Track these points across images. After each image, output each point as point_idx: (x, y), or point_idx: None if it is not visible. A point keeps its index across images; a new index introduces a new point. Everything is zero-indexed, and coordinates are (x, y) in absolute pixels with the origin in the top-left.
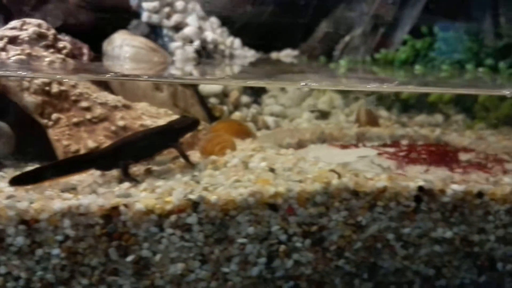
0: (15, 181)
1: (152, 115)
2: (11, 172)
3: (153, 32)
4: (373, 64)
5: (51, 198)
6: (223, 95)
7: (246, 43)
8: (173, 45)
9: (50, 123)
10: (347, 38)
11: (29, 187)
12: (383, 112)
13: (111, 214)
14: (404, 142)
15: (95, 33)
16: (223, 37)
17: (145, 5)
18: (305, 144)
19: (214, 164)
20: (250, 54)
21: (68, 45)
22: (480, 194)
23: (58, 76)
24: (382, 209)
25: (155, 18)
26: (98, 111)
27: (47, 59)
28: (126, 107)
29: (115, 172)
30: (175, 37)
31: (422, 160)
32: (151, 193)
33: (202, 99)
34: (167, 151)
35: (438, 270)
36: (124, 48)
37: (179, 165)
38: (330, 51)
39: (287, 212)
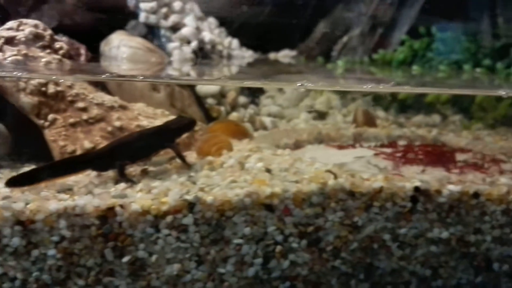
0: (12, 183)
1: (149, 116)
2: (7, 173)
3: (151, 33)
4: (371, 64)
5: (47, 199)
6: (221, 96)
7: (244, 43)
8: (171, 45)
9: (47, 123)
10: (345, 39)
11: (25, 188)
12: (380, 113)
13: (107, 214)
14: (401, 142)
15: (92, 33)
16: (221, 38)
17: (142, 5)
18: (302, 145)
19: (211, 164)
20: (248, 55)
21: (65, 46)
22: (476, 195)
23: (54, 77)
24: (378, 210)
25: (152, 19)
26: (95, 111)
27: (43, 59)
28: (123, 107)
29: (111, 173)
30: (173, 37)
31: (419, 160)
32: (147, 193)
33: (199, 99)
34: (163, 152)
35: (435, 270)
36: (121, 48)
37: (176, 166)
38: (328, 52)
39: (283, 212)
